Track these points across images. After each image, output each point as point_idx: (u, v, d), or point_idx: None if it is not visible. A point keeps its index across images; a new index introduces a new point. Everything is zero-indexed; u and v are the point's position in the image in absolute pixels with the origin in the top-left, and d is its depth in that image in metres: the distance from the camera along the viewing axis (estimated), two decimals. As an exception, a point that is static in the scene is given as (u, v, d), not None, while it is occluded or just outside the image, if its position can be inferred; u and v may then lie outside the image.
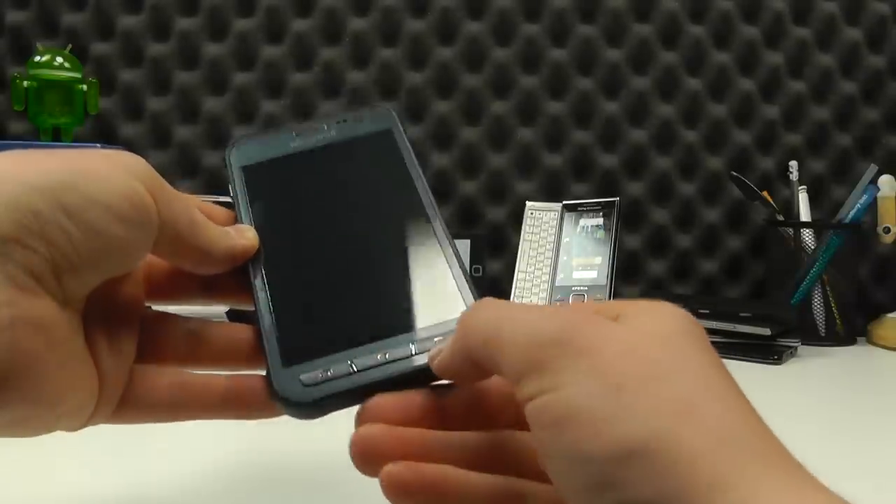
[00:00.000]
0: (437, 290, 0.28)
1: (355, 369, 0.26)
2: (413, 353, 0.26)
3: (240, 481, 0.39)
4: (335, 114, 0.34)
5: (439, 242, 0.30)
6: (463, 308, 0.27)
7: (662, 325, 0.22)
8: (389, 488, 0.23)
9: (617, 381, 0.20)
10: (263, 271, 0.29)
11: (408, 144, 0.33)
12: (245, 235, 0.30)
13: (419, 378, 0.26)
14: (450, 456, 0.24)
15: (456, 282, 0.28)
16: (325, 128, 0.34)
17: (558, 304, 0.25)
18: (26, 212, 0.22)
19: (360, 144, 0.33)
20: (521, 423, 0.23)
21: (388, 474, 0.23)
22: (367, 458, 0.23)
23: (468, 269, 0.30)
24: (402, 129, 0.34)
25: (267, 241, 0.30)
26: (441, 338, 0.26)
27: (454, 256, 0.29)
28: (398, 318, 0.28)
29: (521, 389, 0.21)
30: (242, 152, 0.33)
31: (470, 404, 0.26)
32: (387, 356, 0.26)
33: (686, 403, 0.19)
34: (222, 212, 0.31)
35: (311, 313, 0.28)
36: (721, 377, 0.21)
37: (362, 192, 0.32)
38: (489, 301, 0.25)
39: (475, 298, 0.28)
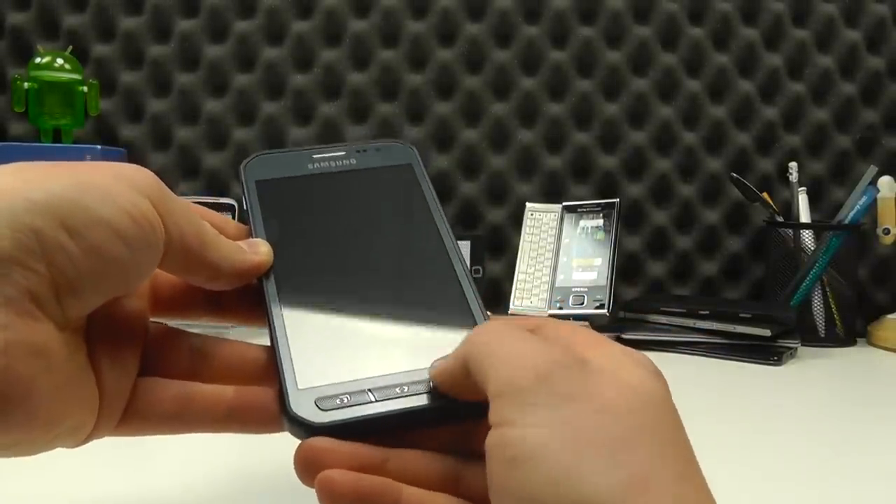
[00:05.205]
0: (458, 325, 0.28)
1: (374, 398, 0.25)
2: (433, 388, 0.26)
3: (243, 489, 0.39)
4: (355, 142, 0.34)
5: (459, 280, 0.29)
6: None
7: (637, 386, 0.21)
8: (323, 493, 0.23)
9: (589, 437, 0.19)
10: (278, 289, 0.28)
11: (428, 181, 0.33)
12: (258, 251, 0.28)
13: (439, 415, 0.25)
14: (392, 469, 0.24)
15: (475, 320, 0.28)
16: (345, 154, 0.33)
17: (569, 324, 0.25)
18: (27, 230, 0.21)
19: (380, 175, 0.33)
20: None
21: (323, 479, 0.23)
22: (309, 467, 0.23)
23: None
24: (422, 165, 0.34)
25: (281, 259, 0.29)
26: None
27: (473, 294, 0.29)
28: (417, 352, 0.27)
29: (493, 411, 0.21)
30: (258, 167, 0.33)
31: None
32: (406, 389, 0.25)
33: (644, 478, 0.19)
34: (235, 225, 0.30)
35: (329, 336, 0.27)
36: (682, 455, 0.21)
37: (381, 220, 0.32)
38: (499, 321, 0.25)
39: None
